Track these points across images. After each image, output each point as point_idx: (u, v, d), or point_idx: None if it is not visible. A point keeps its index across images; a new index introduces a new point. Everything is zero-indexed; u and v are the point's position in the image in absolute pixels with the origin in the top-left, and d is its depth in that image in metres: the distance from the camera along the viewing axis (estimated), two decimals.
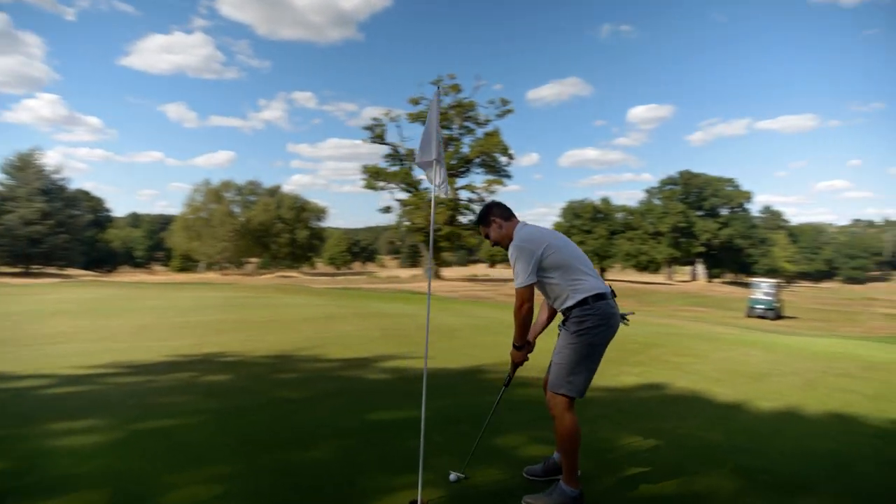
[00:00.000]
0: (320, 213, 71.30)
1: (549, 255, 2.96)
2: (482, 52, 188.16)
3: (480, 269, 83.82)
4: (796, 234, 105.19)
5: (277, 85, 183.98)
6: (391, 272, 70.20)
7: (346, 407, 4.61)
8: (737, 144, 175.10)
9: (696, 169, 77.41)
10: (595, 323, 2.91)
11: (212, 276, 48.97)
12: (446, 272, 53.14)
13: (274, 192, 68.23)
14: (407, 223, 46.20)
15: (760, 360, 7.99)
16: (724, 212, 79.02)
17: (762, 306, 30.75)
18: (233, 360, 6.46)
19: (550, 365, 3.07)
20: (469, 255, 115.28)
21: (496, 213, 3.20)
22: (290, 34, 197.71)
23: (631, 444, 3.93)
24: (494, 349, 7.86)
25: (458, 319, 12.25)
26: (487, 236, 3.24)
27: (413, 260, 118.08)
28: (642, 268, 68.13)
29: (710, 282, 76.99)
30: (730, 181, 79.89)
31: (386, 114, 47.37)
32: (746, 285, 73.99)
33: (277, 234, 63.58)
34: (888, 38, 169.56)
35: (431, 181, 3.11)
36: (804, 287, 78.64)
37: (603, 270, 72.31)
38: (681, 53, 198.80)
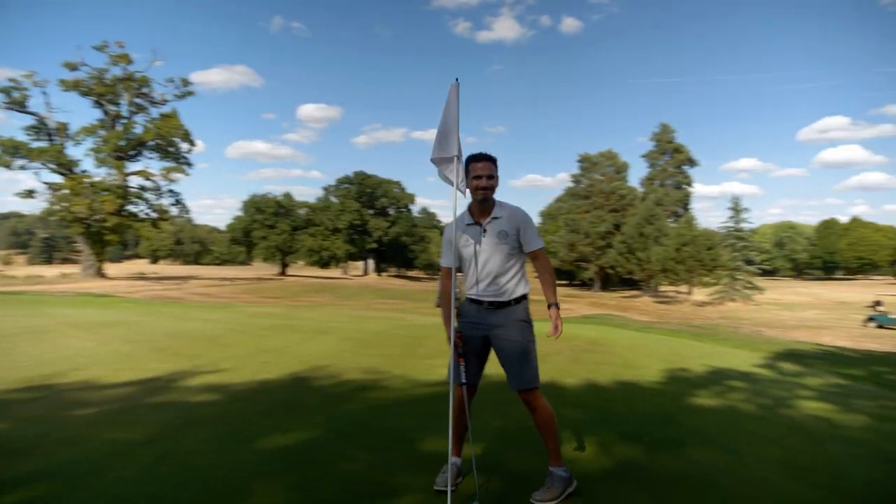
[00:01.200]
0: None
1: None
2: (140, 18, 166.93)
3: (143, 267, 74.49)
4: None
5: None
6: (27, 270, 56.84)
7: (220, 440, 3.82)
8: (395, 149, 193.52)
9: (360, 170, 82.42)
10: None
11: None
12: (109, 269, 45.59)
13: None
14: (59, 211, 37.96)
15: None
16: (392, 211, 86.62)
17: None
18: None
19: (505, 364, 3.10)
20: (123, 251, 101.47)
21: None
22: None
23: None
24: (286, 354, 7.37)
25: (199, 324, 10.90)
26: (490, 177, 3.00)
27: (50, 255, 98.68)
28: (324, 263, 69.91)
29: (380, 276, 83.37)
30: (397, 184, 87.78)
31: (28, 76, 38.14)
32: (413, 279, 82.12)
33: None
34: (509, 73, 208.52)
35: (449, 179, 2.87)
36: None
37: (286, 266, 71.88)
38: (349, 59, 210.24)
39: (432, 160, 2.91)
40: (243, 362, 6.71)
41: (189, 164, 43.74)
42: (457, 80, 2.81)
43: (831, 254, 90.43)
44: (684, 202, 60.20)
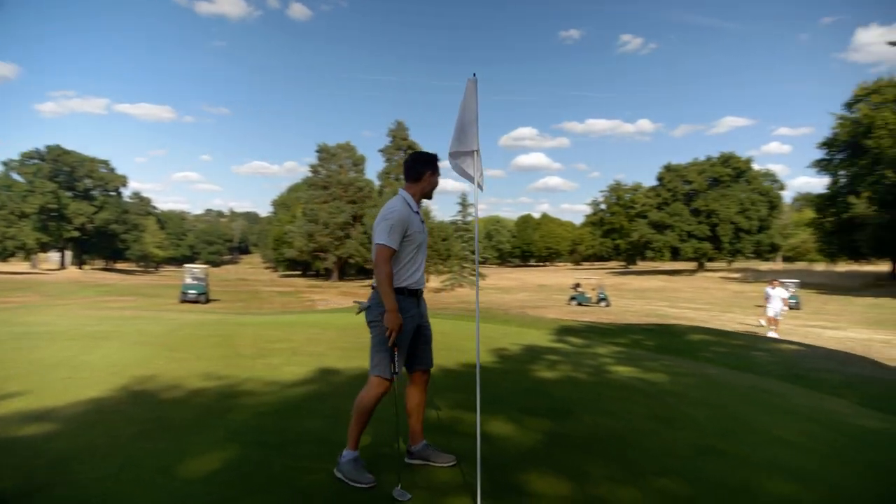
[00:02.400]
0: None
1: None
2: None
3: None
4: (164, 221, 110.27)
5: None
6: None
7: (126, 475, 3.14)
8: (96, 123, 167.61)
9: (54, 143, 69.84)
10: None
11: None
12: None
13: None
14: None
15: (332, 336, 9.04)
16: (98, 194, 75.31)
17: (195, 291, 31.09)
18: None
19: (419, 348, 3.24)
20: None
21: None
22: None
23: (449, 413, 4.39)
24: (83, 366, 6.14)
25: None
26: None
27: None
28: (8, 254, 57.21)
29: (81, 269, 71.64)
30: (104, 163, 76.71)
31: None
32: (124, 272, 72.66)
33: None
34: (233, 52, 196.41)
35: (466, 174, 2.83)
36: (172, 271, 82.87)
37: None
38: (27, 6, 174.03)
39: (450, 154, 2.86)
40: (35, 381, 5.36)
41: None
42: (474, 75, 2.82)
43: (528, 244, 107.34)
44: None
